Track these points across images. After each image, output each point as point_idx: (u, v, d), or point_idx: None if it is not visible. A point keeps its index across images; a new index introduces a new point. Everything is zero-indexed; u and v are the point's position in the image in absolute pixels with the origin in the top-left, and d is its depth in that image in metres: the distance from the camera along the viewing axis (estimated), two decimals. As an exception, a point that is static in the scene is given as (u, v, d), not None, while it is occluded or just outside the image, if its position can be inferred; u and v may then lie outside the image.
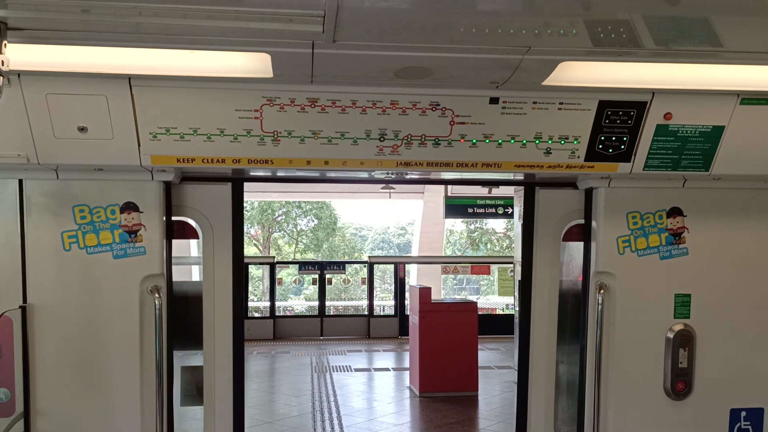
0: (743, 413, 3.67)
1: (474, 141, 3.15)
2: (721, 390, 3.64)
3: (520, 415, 3.80)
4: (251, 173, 3.45)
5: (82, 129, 2.93)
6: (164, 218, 3.35)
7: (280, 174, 3.51)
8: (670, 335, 3.58)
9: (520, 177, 3.55)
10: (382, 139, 3.11)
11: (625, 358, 3.58)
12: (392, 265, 18.12)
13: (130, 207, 3.28)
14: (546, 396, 3.75)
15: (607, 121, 3.14)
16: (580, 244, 3.76)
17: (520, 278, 3.80)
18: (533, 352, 3.73)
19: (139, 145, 3.00)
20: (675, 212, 3.56)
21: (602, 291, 3.53)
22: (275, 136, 3.06)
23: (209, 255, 3.55)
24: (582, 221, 3.71)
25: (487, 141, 3.15)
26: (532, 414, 3.75)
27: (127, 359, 3.32)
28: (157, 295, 3.29)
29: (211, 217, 3.53)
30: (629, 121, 3.14)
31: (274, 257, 20.55)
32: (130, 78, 2.85)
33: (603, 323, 3.53)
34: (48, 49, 2.53)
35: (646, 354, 3.60)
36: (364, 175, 3.51)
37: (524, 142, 3.17)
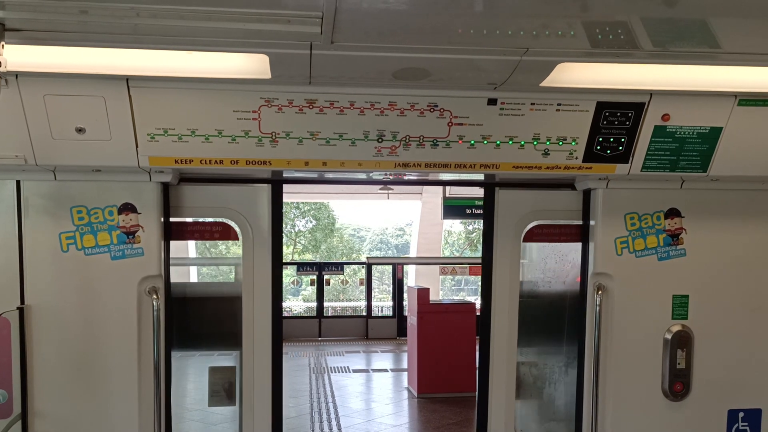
0: (741, 414, 3.67)
1: (472, 142, 3.15)
2: (718, 391, 3.65)
3: (480, 414, 3.79)
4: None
5: (79, 130, 2.92)
6: (162, 219, 3.34)
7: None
8: (668, 336, 3.58)
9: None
10: (380, 140, 3.11)
11: (623, 359, 3.58)
12: (390, 266, 18.13)
13: (127, 208, 3.28)
14: (507, 396, 3.75)
15: (605, 122, 3.14)
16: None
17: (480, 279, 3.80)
18: (494, 352, 3.73)
19: (137, 146, 3.00)
20: (673, 213, 3.56)
21: (600, 292, 3.53)
22: (273, 137, 3.06)
23: (249, 256, 3.59)
24: (544, 222, 3.76)
25: (485, 142, 3.15)
26: (493, 414, 3.75)
27: (125, 361, 3.31)
28: (155, 297, 3.28)
29: (250, 218, 3.57)
30: (627, 123, 3.15)
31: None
32: (127, 79, 2.84)
33: (601, 324, 3.53)
34: (46, 50, 2.52)
35: (644, 355, 3.60)
36: (362, 175, 3.51)
37: (522, 143, 3.17)
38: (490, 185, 3.71)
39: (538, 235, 3.81)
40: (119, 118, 2.92)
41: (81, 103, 2.87)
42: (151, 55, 2.59)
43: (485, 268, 3.72)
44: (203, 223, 3.74)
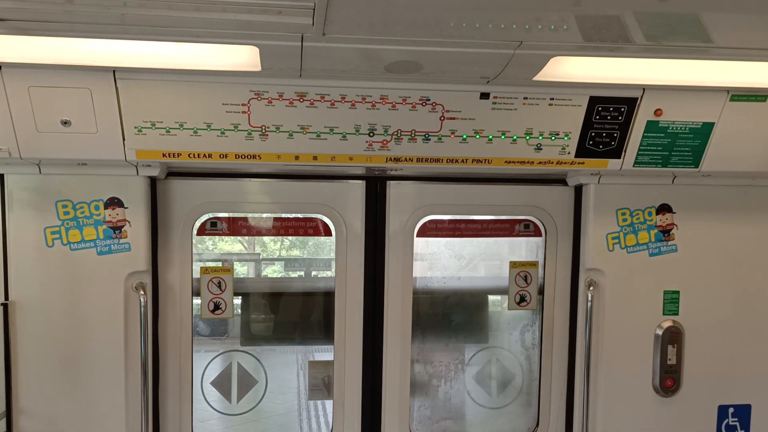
0: (731, 410, 3.68)
1: (464, 137, 3.12)
2: (709, 386, 3.65)
3: (373, 415, 3.73)
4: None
5: (65, 123, 2.87)
6: (150, 214, 3.29)
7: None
8: (659, 332, 3.58)
9: (360, 171, 3.48)
10: (371, 134, 3.07)
11: (614, 354, 3.57)
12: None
13: (114, 202, 3.22)
14: (401, 395, 3.71)
15: (597, 117, 3.12)
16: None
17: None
18: (387, 351, 3.68)
19: (123, 140, 2.95)
20: (664, 209, 3.55)
21: (592, 288, 3.51)
22: (263, 131, 3.01)
23: (342, 252, 3.59)
24: (438, 217, 3.73)
25: (478, 137, 3.12)
26: (387, 414, 3.71)
27: (111, 357, 3.26)
28: (142, 293, 3.23)
29: (345, 214, 3.58)
30: (620, 117, 3.13)
31: (259, 254, 20.40)
32: (114, 71, 2.79)
33: (592, 320, 3.52)
34: (31, 41, 2.46)
35: (635, 351, 3.59)
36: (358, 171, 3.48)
37: (515, 137, 3.15)
38: (380, 179, 3.61)
39: (430, 230, 3.77)
40: (106, 111, 2.86)
41: (66, 95, 2.81)
42: (138, 47, 2.54)
43: (375, 265, 3.65)
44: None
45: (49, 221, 3.19)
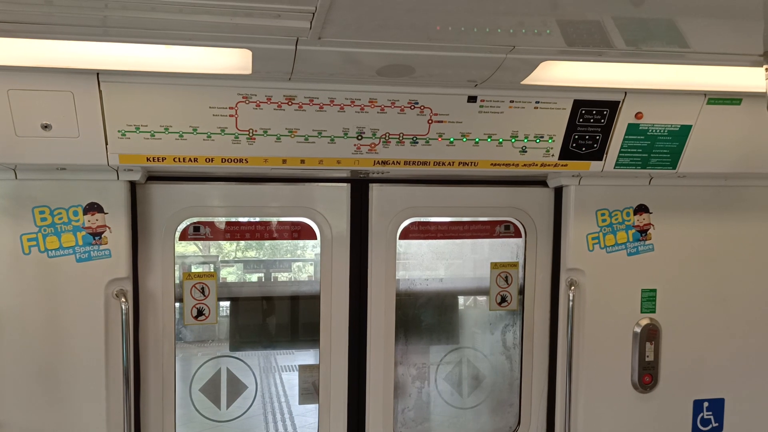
0: (705, 404, 3.78)
1: (451, 140, 3.13)
2: (685, 382, 3.75)
3: (359, 418, 3.73)
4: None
5: (45, 127, 2.77)
6: (131, 220, 3.21)
7: None
8: (638, 330, 3.66)
9: (344, 174, 3.49)
10: (359, 137, 3.06)
11: (594, 352, 3.64)
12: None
13: (93, 208, 3.14)
14: (384, 398, 3.73)
15: (581, 119, 3.17)
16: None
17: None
18: (371, 353, 3.68)
19: (106, 144, 2.87)
20: (641, 209, 3.63)
21: (573, 288, 3.57)
22: (250, 135, 2.97)
23: (327, 255, 3.55)
24: (421, 219, 3.77)
25: (464, 140, 3.14)
26: (371, 417, 3.71)
27: (92, 367, 3.17)
28: (123, 300, 3.15)
29: (330, 217, 3.54)
30: (602, 120, 3.19)
31: (217, 256, 20.12)
32: (98, 73, 2.71)
33: (573, 319, 3.57)
34: (10, 43, 2.37)
35: (615, 348, 3.67)
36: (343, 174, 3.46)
37: (500, 140, 3.18)
38: (363, 182, 3.61)
39: (413, 232, 3.79)
40: (88, 114, 2.78)
41: (48, 98, 2.73)
42: (124, 49, 2.47)
43: (360, 267, 3.65)
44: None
45: (25, 228, 3.08)
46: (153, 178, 3.34)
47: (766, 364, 3.83)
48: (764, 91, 2.56)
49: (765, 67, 2.35)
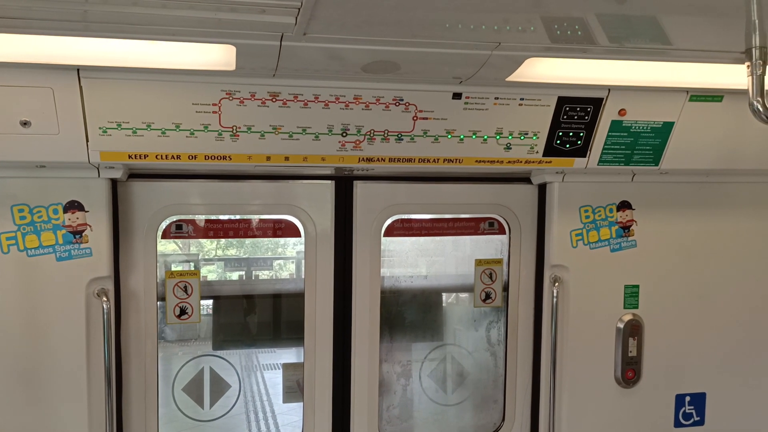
0: (687, 398, 3.82)
1: (436, 137, 3.13)
2: (667, 377, 3.78)
3: (343, 416, 3.72)
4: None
5: (24, 123, 2.73)
6: (112, 218, 3.17)
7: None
8: (621, 325, 3.68)
9: (328, 171, 3.49)
10: (344, 134, 3.04)
11: (577, 348, 3.66)
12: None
13: (74, 206, 3.09)
14: (369, 396, 3.73)
15: (565, 116, 3.18)
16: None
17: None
18: (356, 351, 3.68)
19: (87, 141, 2.83)
20: (624, 206, 3.65)
21: (557, 284, 3.59)
22: (234, 131, 2.94)
23: (311, 253, 3.52)
24: (404, 216, 3.77)
25: (449, 136, 3.14)
26: (356, 415, 3.72)
27: (73, 367, 3.13)
28: (104, 299, 3.11)
29: (314, 215, 3.52)
30: (586, 117, 3.20)
31: (198, 255, 20.01)
32: (78, 69, 2.67)
33: (557, 315, 3.59)
34: None
35: (598, 344, 3.69)
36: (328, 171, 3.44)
37: (485, 137, 3.18)
38: (347, 179, 3.60)
39: (397, 229, 3.79)
40: (69, 111, 2.74)
41: (27, 94, 2.68)
42: (105, 44, 2.43)
43: (344, 265, 3.64)
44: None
45: (4, 227, 3.03)
46: (134, 175, 3.30)
47: (746, 358, 3.87)
48: (746, 88, 2.58)
49: (747, 64, 2.37)
